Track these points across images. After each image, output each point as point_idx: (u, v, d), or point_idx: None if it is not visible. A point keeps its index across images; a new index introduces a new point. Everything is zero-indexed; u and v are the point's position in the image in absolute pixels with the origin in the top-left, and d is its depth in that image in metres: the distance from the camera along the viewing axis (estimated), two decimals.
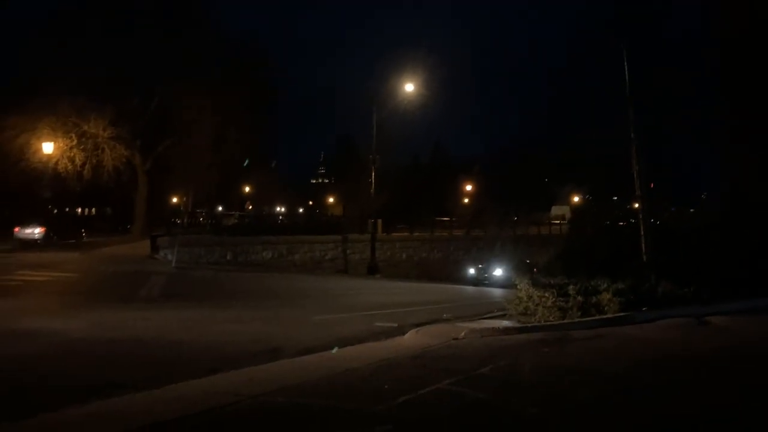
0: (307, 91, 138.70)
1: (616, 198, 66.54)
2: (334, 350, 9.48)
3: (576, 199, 76.66)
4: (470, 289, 25.53)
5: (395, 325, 11.76)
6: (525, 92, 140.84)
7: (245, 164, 49.47)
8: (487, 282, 27.70)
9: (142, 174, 40.61)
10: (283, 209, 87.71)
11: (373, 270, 28.52)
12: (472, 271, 30.06)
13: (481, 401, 6.77)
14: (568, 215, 65.34)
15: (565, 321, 11.82)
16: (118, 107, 36.44)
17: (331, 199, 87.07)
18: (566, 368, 8.47)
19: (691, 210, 60.92)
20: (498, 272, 28.21)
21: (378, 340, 10.48)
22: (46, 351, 8.86)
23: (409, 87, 30.40)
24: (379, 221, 32.99)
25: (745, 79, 28.06)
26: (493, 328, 11.29)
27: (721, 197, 37.85)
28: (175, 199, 58.09)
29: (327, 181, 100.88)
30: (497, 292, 21.10)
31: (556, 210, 69.31)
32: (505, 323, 11.98)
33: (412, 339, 10.59)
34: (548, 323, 11.65)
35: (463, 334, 10.65)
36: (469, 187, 70.65)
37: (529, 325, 11.65)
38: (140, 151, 39.94)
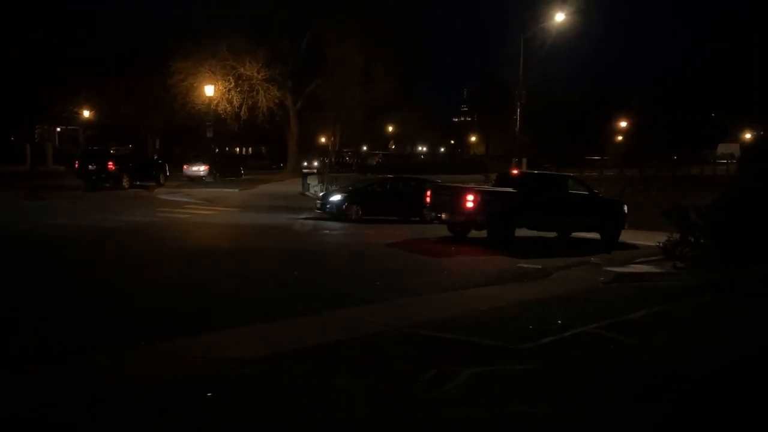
0: (452, 25, 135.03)
1: None
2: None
3: (748, 136, 68.86)
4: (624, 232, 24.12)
5: (539, 267, 11.52)
6: (693, 15, 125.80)
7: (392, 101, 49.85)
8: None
9: (293, 114, 42.54)
10: (425, 148, 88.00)
11: None
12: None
13: (630, 348, 6.49)
14: (737, 154, 58.97)
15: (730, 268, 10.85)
16: (270, 49, 38.18)
17: (473, 138, 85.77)
18: (734, 317, 7.83)
19: None
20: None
21: (521, 281, 10.35)
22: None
23: (560, 16, 28.58)
24: (524, 160, 32.05)
25: None
26: (645, 272, 10.67)
27: None
28: (323, 139, 60.40)
29: (470, 119, 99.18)
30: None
31: (723, 148, 62.72)
32: (656, 268, 11.23)
33: (557, 281, 10.33)
34: (700, 268, 10.72)
35: (612, 277, 10.20)
36: (623, 124, 66.06)
37: (680, 270, 10.82)
38: (291, 91, 41.69)
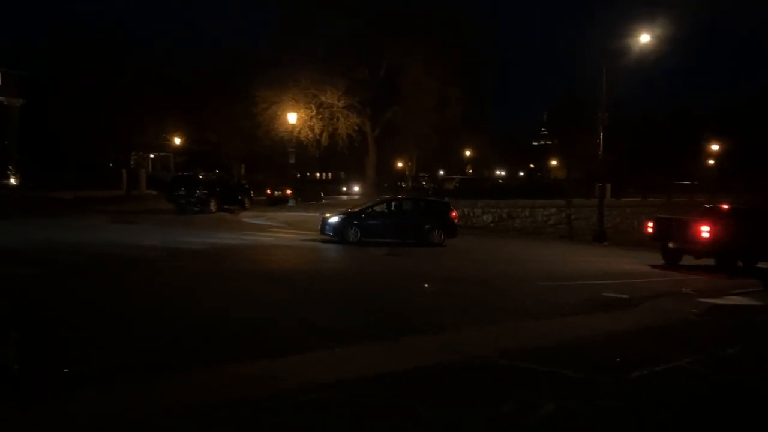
0: (528, 49, 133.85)
1: None
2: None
3: None
4: None
5: (626, 296, 11.03)
6: None
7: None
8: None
9: (371, 140, 43.17)
10: (503, 172, 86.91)
11: (600, 237, 27.00)
12: None
13: (726, 386, 6.07)
14: None
15: None
16: (350, 78, 39.12)
17: (553, 162, 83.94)
18: None
19: None
20: None
21: (607, 311, 9.93)
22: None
23: (645, 37, 27.65)
24: (608, 185, 31.00)
25: None
26: (742, 304, 10.00)
27: None
28: (400, 164, 60.88)
29: (549, 142, 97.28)
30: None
31: None
32: (757, 301, 10.51)
33: (646, 311, 9.84)
34: None
35: (705, 309, 9.61)
36: (715, 147, 62.72)
37: None
38: (370, 118, 42.39)
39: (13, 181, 45.93)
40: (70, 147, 42.57)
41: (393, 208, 19.99)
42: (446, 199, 32.65)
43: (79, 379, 5.41)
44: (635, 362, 6.57)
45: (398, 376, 5.88)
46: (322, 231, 19.02)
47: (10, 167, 45.79)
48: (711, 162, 62.39)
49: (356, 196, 45.83)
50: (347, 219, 18.95)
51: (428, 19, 38.71)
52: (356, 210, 20.07)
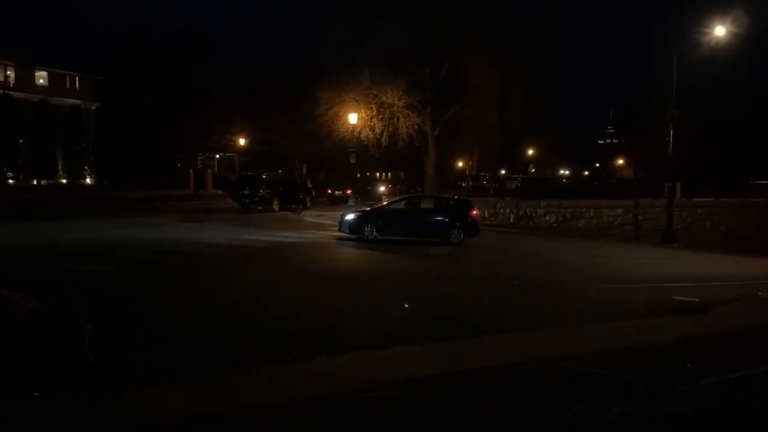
0: (594, 44, 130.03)
1: None
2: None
3: None
4: None
5: (697, 300, 10.57)
6: None
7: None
8: None
9: (431, 140, 43.02)
10: (567, 172, 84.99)
11: (669, 238, 25.95)
12: None
13: None
14: None
15: None
16: (410, 78, 39.09)
17: (620, 161, 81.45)
18: None
19: None
20: None
21: (676, 315, 9.55)
22: None
23: (720, 30, 26.40)
24: (678, 184, 29.78)
25: None
26: None
27: None
28: (460, 164, 60.46)
29: (616, 141, 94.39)
30: None
31: None
32: None
33: (719, 317, 9.41)
34: None
35: None
36: None
37: None
38: (430, 117, 42.24)
39: (88, 180, 48.36)
40: (140, 148, 44.38)
41: (412, 206, 19.69)
42: (508, 198, 32.21)
43: (163, 376, 5.65)
44: (707, 369, 6.29)
45: (459, 376, 5.84)
46: (340, 228, 19.06)
47: (86, 168, 48.20)
48: None
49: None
50: (363, 217, 18.93)
51: (492, 24, 38.28)
52: (375, 207, 20.04)
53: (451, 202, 20.81)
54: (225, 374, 5.72)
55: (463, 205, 20.44)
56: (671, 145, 26.53)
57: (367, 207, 20.97)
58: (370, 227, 18.51)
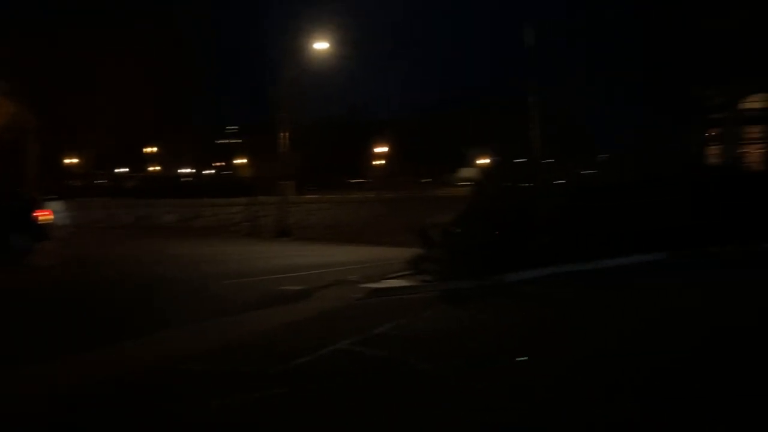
0: (229, 45, 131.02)
1: (523, 160, 68.02)
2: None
3: (486, 161, 78.09)
4: (380, 249, 25.73)
5: (301, 288, 11.82)
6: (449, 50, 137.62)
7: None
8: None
9: (31, 133, 37.87)
10: (191, 170, 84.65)
11: (283, 233, 28.27)
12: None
13: (378, 359, 6.99)
14: (477, 177, 66.24)
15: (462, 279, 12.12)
16: (3, 54, 33.63)
17: (243, 160, 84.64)
18: (463, 326, 8.80)
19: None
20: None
21: (283, 304, 10.52)
22: None
23: (321, 45, 29.70)
24: (292, 183, 32.60)
25: None
26: (394, 287, 11.56)
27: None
28: (75, 160, 54.70)
29: (239, 141, 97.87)
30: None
31: (465, 172, 70.48)
32: (406, 282, 12.15)
33: (317, 301, 10.71)
34: (444, 280, 11.88)
35: (364, 294, 10.89)
36: (383, 149, 70.57)
37: (427, 283, 11.88)
38: (33, 107, 37.17)
39: None
40: None
41: None
42: (124, 198, 30.64)
43: None
44: (301, 350, 7.12)
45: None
46: None
47: None
48: (381, 162, 70.10)
49: None
50: None
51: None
52: None
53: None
54: None
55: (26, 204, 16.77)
56: (283, 145, 29.00)
57: None
58: None
